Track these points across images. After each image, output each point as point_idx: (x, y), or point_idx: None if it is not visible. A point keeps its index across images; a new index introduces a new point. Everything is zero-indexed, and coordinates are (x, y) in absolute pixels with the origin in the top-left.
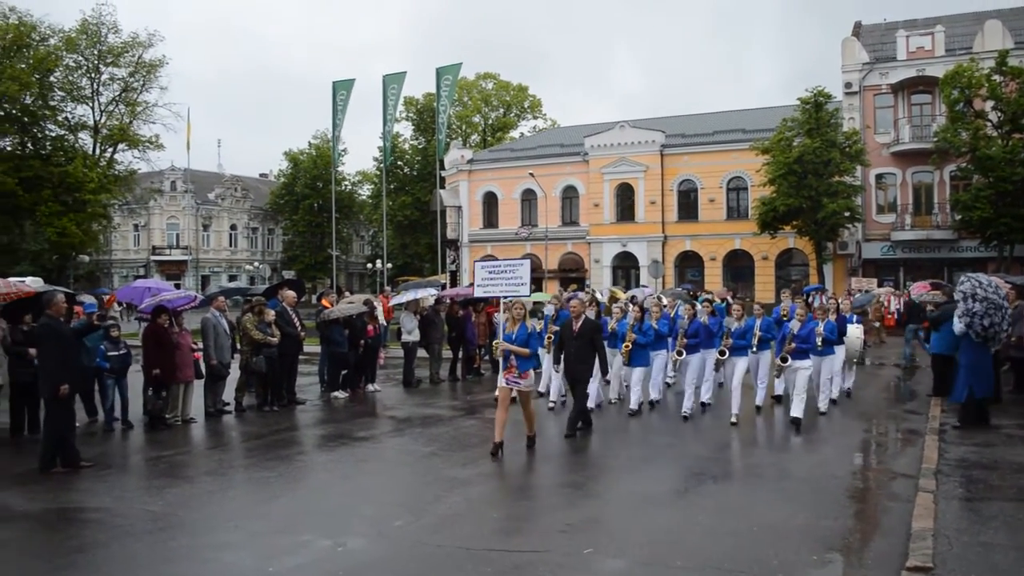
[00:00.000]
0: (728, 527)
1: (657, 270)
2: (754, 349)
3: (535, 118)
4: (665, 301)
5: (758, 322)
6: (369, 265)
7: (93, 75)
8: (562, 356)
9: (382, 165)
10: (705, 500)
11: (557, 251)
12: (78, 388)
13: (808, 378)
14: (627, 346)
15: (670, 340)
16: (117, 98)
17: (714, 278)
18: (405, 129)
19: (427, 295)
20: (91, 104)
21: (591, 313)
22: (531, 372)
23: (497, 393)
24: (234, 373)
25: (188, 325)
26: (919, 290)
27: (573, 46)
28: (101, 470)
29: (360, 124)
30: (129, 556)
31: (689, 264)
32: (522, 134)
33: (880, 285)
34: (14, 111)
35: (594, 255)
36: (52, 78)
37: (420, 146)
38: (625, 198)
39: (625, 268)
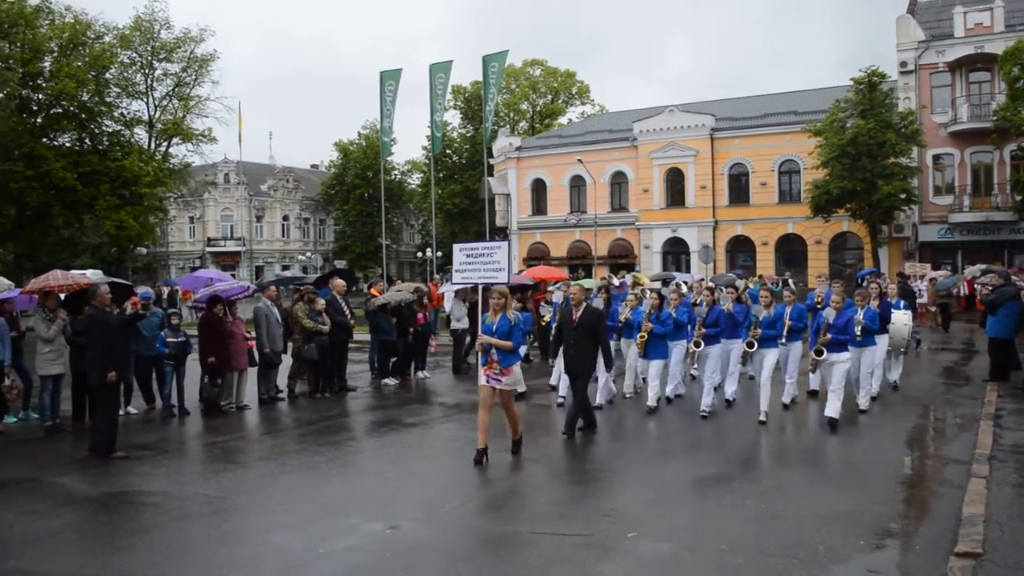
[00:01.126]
0: (773, 512)
1: (708, 255)
2: (783, 340)
3: (583, 104)
4: (684, 288)
5: (788, 310)
6: (419, 254)
7: (147, 71)
8: (561, 349)
9: (431, 154)
10: (749, 485)
11: (606, 237)
12: (124, 375)
13: (846, 373)
14: (643, 336)
15: (690, 329)
16: (170, 93)
17: (766, 263)
18: (453, 117)
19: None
20: (145, 99)
21: (600, 301)
22: (514, 368)
23: (479, 393)
24: (286, 361)
25: (241, 314)
26: (972, 271)
27: (625, 29)
28: (159, 455)
29: (409, 113)
30: (185, 538)
31: (741, 249)
32: (570, 120)
33: (936, 268)
34: (72, 108)
35: (644, 241)
36: (108, 75)
37: (468, 134)
38: (675, 183)
39: (675, 254)
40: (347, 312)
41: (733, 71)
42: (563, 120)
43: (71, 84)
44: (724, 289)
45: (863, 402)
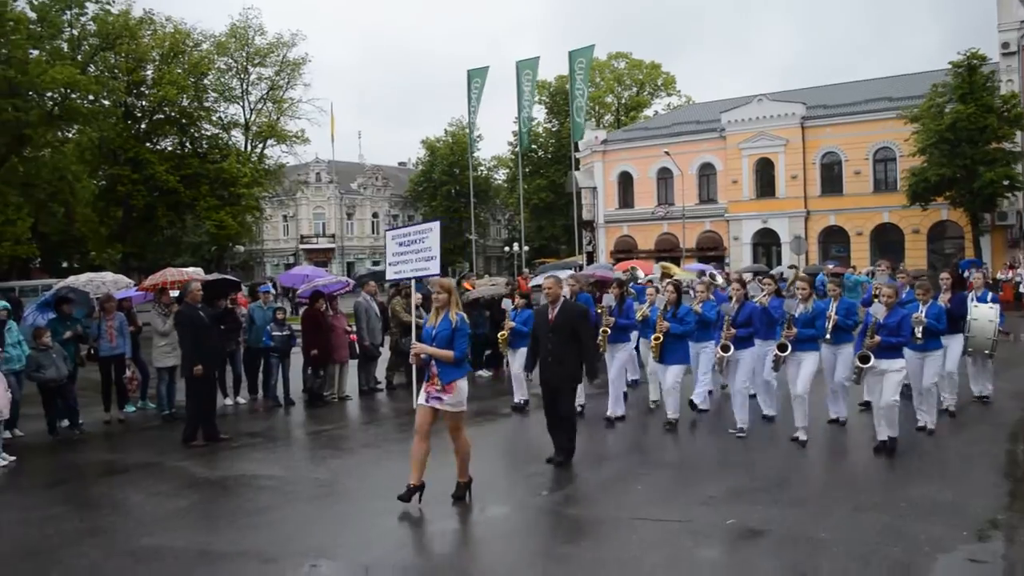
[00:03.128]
0: (873, 501)
1: (800, 246)
2: (828, 336)
3: (669, 95)
4: (720, 279)
5: (834, 304)
6: (506, 248)
7: (242, 76)
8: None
9: (517, 150)
10: (849, 475)
11: (695, 230)
12: (213, 369)
13: (899, 384)
14: (657, 337)
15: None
16: (265, 96)
17: (861, 254)
18: (538, 112)
19: (564, 277)
20: (241, 103)
21: (609, 299)
22: (459, 384)
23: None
24: (385, 353)
25: (342, 309)
26: None
27: (711, 18)
28: (269, 442)
29: (495, 108)
30: (301, 518)
31: (834, 240)
32: (656, 112)
33: None
34: (173, 114)
35: (733, 233)
36: (206, 81)
37: (554, 129)
38: (765, 173)
39: (766, 245)
40: None
41: (825, 58)
42: (649, 112)
43: (172, 91)
44: (760, 279)
45: (929, 420)
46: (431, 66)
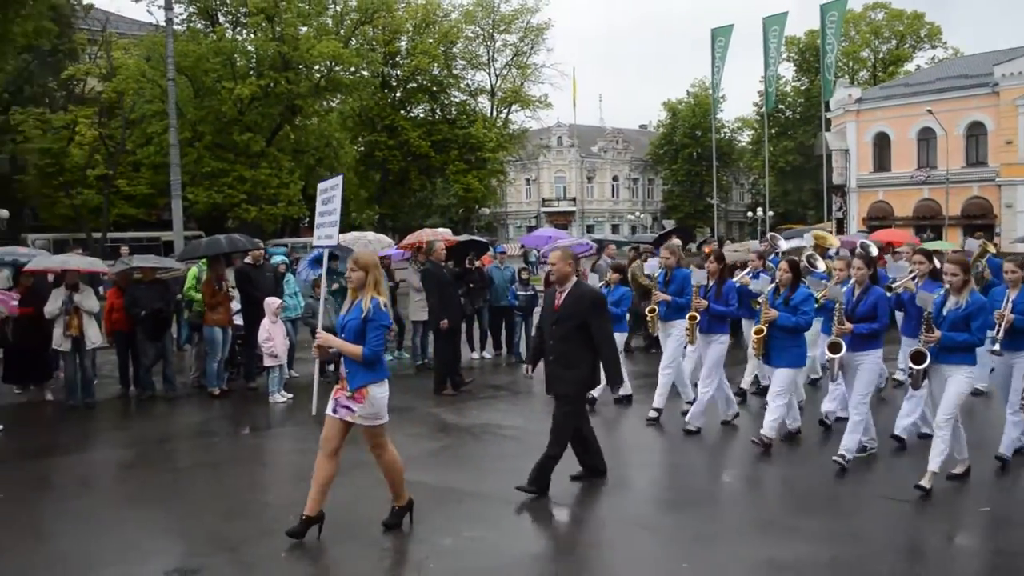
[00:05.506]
0: None
1: None
2: (996, 346)
3: (933, 48)
4: (874, 250)
5: (1012, 295)
6: (750, 213)
7: (488, 43)
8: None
9: (762, 110)
10: None
11: (960, 196)
12: (456, 323)
13: None
14: (759, 330)
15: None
16: (509, 63)
17: None
18: (786, 70)
19: (805, 244)
20: (487, 70)
21: (700, 275)
22: (371, 391)
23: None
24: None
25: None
26: None
27: None
28: (512, 395)
29: (740, 66)
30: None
31: None
32: (918, 67)
33: None
34: (425, 82)
35: (1005, 199)
36: (455, 49)
37: (803, 87)
38: None
39: None
40: None
41: None
42: (910, 67)
43: (424, 60)
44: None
45: None
46: (674, 26)
